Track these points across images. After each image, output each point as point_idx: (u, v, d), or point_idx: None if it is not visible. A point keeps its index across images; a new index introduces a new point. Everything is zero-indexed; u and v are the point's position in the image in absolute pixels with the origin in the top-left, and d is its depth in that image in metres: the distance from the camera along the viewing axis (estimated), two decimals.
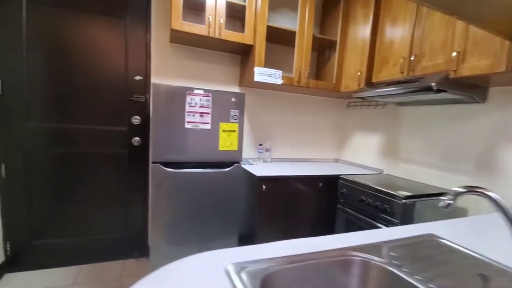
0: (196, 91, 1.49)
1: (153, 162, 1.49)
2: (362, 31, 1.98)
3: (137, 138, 2.02)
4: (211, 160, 1.60)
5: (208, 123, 1.54)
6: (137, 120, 2.00)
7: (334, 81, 2.19)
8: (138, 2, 1.93)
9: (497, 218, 1.05)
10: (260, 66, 1.89)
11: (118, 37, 1.90)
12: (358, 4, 2.03)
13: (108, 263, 2.09)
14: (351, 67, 2.08)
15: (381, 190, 1.51)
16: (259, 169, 1.90)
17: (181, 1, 1.68)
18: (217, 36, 1.79)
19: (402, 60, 1.65)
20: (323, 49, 2.32)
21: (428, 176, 1.79)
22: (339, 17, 2.16)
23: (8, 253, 1.86)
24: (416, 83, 1.40)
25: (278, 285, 0.55)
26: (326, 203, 2.00)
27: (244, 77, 2.12)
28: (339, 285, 0.64)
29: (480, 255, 0.69)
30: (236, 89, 2.26)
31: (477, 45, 1.24)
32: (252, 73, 1.91)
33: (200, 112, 1.51)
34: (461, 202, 1.53)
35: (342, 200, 1.85)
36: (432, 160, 1.77)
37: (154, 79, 2.00)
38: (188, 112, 1.49)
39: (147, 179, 2.10)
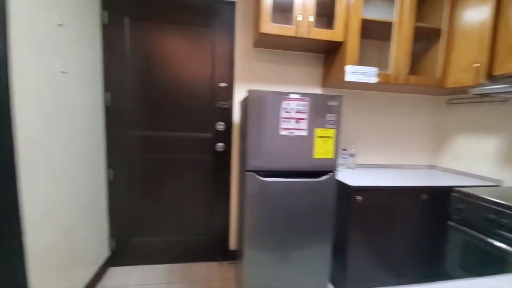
0: (292, 96, 1.40)
1: (247, 171, 1.45)
2: (479, 14, 1.64)
3: (221, 144, 2.04)
4: (305, 168, 1.49)
5: (304, 129, 1.44)
6: (222, 126, 2.02)
7: (438, 76, 1.87)
8: (224, 10, 1.94)
9: None
10: (353, 64, 1.71)
11: (205, 46, 1.95)
12: None
13: (194, 264, 2.16)
14: (462, 58, 1.75)
15: None
16: (350, 178, 1.73)
17: (270, 4, 1.62)
18: (305, 35, 1.69)
19: None
20: (420, 40, 2.02)
21: None
22: (444, 0, 1.84)
23: (113, 249, 2.06)
24: None
25: None
26: (433, 219, 1.72)
27: (329, 77, 1.97)
28: None
29: None
30: (318, 91, 2.12)
31: None
32: (341, 72, 1.75)
33: (296, 118, 1.42)
34: None
35: (457, 217, 1.55)
36: None
37: (237, 85, 1.99)
38: (283, 118, 1.41)
39: (230, 184, 2.11)
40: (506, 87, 1.43)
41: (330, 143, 1.49)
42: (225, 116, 2.03)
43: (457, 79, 1.78)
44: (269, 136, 1.43)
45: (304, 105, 1.42)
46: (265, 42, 1.84)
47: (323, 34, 1.72)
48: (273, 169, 1.46)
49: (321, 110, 1.46)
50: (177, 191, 2.08)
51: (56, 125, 1.36)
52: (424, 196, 1.69)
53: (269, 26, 1.64)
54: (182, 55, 1.94)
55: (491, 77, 1.59)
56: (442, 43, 1.86)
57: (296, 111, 1.42)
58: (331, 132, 1.48)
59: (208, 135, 2.03)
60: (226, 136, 2.05)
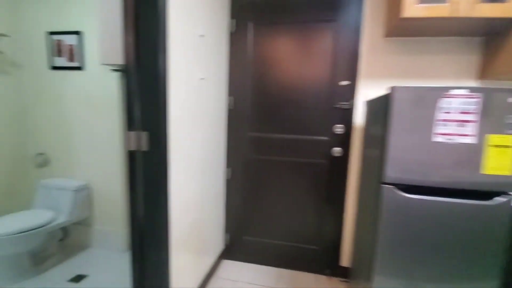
0: (455, 92, 1.09)
1: (383, 183, 1.22)
2: None
3: (339, 149, 1.86)
4: (467, 186, 1.14)
5: (471, 135, 1.10)
6: (340, 129, 1.84)
7: None
8: (352, 1, 1.75)
9: None
10: None
11: (325, 42, 1.81)
12: None
13: (302, 274, 2.06)
14: None
15: None
16: None
17: None
18: (464, 14, 1.31)
19: None
20: None
21: None
22: None
23: (227, 243, 2.19)
24: None
25: None
26: None
27: (495, 65, 1.49)
28: None
29: None
30: (471, 84, 1.65)
31: None
32: None
33: (458, 120, 1.10)
34: None
35: None
36: None
37: (361, 83, 1.76)
38: (440, 120, 1.11)
39: (346, 193, 1.90)
40: None
41: (509, 155, 1.09)
42: (344, 118, 1.83)
43: None
44: (417, 142, 1.15)
45: (473, 104, 1.08)
46: (402, 29, 1.55)
47: (492, 10, 1.30)
48: (421, 183, 1.18)
49: (498, 110, 1.08)
50: (287, 194, 2.02)
51: (196, 126, 1.50)
52: None
53: (414, 9, 1.35)
54: (300, 55, 1.86)
55: None
56: None
57: (460, 111, 1.09)
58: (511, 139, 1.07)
59: (325, 138, 1.88)
60: (344, 140, 1.85)
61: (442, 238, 1.20)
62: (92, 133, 2.19)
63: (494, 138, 1.09)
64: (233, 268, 2.09)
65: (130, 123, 1.18)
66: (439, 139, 1.13)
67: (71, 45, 2.10)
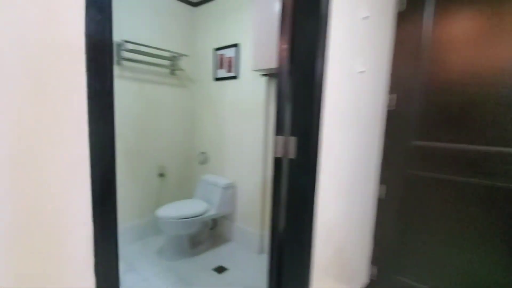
0: None
1: None
2: None
3: None
4: None
5: None
6: None
7: None
8: None
9: None
10: None
11: None
12: None
13: None
14: None
15: None
16: None
17: None
18: None
19: None
20: None
21: None
22: None
23: (373, 278, 1.75)
24: None
25: None
26: None
27: None
28: None
29: None
30: None
31: None
32: None
33: None
34: None
35: None
36: None
37: None
38: None
39: None
40: None
41: None
42: None
43: None
44: None
45: None
46: None
47: None
48: None
49: None
50: (469, 230, 1.37)
51: (345, 131, 1.22)
52: None
53: None
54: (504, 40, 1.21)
55: None
56: None
57: None
58: None
59: None
60: None
61: None
62: (240, 136, 2.36)
63: None
64: None
65: (279, 127, 1.06)
66: None
67: (230, 57, 2.35)
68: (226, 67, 2.41)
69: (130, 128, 2.28)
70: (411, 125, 1.52)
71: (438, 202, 1.47)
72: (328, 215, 1.18)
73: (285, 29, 1.01)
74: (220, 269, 2.06)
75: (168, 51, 2.39)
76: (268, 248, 1.18)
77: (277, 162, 1.07)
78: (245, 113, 2.29)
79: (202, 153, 2.71)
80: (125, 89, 2.21)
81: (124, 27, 2.13)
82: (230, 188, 2.41)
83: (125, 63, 2.18)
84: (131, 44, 2.13)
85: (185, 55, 2.50)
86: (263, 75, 1.99)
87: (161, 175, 2.56)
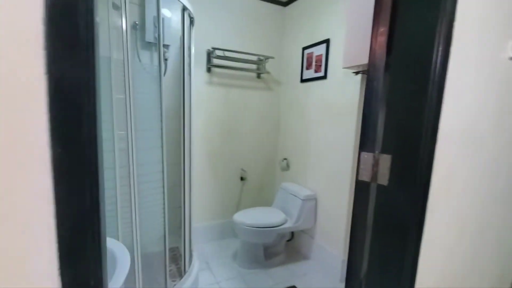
0: None
1: None
2: None
3: None
4: None
5: None
6: None
7: None
8: None
9: None
10: None
11: None
12: None
13: None
14: None
15: None
16: None
17: None
18: None
19: None
20: None
21: None
22: None
23: None
24: None
25: None
26: None
27: None
28: None
29: None
30: None
31: None
32: None
33: None
34: None
35: None
36: None
37: None
38: None
39: None
40: None
41: None
42: None
43: None
44: None
45: None
46: None
47: None
48: None
49: None
50: None
51: (481, 146, 0.80)
52: None
53: None
54: None
55: None
56: None
57: None
58: None
59: None
60: None
61: None
62: (326, 143, 2.08)
63: None
64: None
65: (365, 139, 0.78)
66: None
67: (319, 55, 2.11)
68: (314, 67, 2.18)
69: (216, 131, 2.38)
70: None
71: None
72: (442, 273, 0.80)
73: (382, 3, 0.72)
74: None
75: (255, 54, 2.36)
76: None
77: (361, 187, 0.79)
78: (334, 117, 1.99)
79: (284, 159, 2.56)
80: (213, 95, 2.31)
81: (213, 35, 2.22)
82: (310, 201, 2.16)
83: (213, 69, 2.27)
84: (219, 51, 2.20)
85: (272, 58, 2.41)
86: (355, 72, 1.67)
87: (242, 178, 2.57)
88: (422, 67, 0.66)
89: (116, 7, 1.28)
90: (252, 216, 2.09)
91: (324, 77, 2.07)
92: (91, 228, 0.38)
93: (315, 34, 2.15)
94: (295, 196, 2.19)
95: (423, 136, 0.65)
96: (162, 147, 1.45)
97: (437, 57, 0.63)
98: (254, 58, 2.38)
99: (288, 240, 2.40)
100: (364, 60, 1.42)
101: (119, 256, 0.87)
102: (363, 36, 1.45)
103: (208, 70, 2.25)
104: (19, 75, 0.34)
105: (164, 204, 1.49)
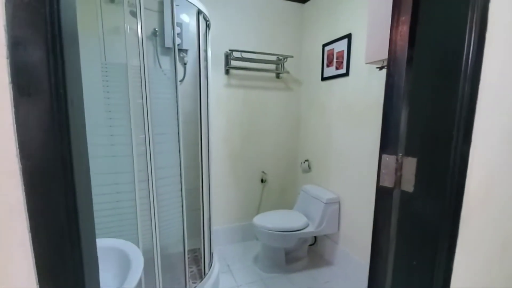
0: None
1: None
2: None
3: None
4: None
5: None
6: None
7: None
8: None
9: None
10: None
11: None
12: None
13: None
14: None
15: None
16: None
17: None
18: None
19: None
20: None
21: None
22: None
23: None
24: None
25: None
26: None
27: None
28: None
29: None
30: None
31: None
32: None
33: None
34: None
35: None
36: None
37: None
38: None
39: None
40: None
41: None
42: None
43: None
44: None
45: None
46: None
47: None
48: None
49: None
50: None
51: None
52: None
53: None
54: None
55: None
56: None
57: None
58: None
59: None
60: None
61: None
62: (349, 143, 1.97)
63: None
64: None
65: (386, 140, 0.71)
66: None
67: (340, 51, 2.01)
68: (335, 64, 2.08)
69: (236, 134, 2.36)
70: None
71: None
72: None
73: None
74: None
75: (274, 54, 2.32)
76: None
77: (382, 194, 0.72)
78: (357, 116, 1.89)
79: (306, 160, 2.48)
80: (232, 97, 2.30)
81: (230, 37, 2.21)
82: (333, 204, 2.06)
83: (232, 71, 2.26)
84: (237, 53, 2.19)
85: (291, 56, 2.35)
86: (379, 68, 1.56)
87: (263, 181, 2.53)
88: (451, 58, 0.58)
89: (134, 14, 1.31)
90: (273, 220, 2.04)
91: (346, 74, 1.97)
92: (68, 239, 0.36)
93: (336, 29, 2.06)
94: (317, 199, 2.11)
95: (454, 136, 0.56)
96: (179, 150, 1.46)
97: (470, 45, 0.54)
98: (273, 58, 2.34)
99: (310, 245, 2.32)
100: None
101: (132, 258, 0.88)
102: (386, 28, 1.34)
103: (227, 72, 2.25)
104: None
105: (182, 206, 1.50)
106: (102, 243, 0.93)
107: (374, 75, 1.69)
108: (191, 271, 1.91)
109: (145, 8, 1.24)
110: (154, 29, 1.90)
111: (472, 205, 0.59)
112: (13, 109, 0.34)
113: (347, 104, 1.98)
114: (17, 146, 0.34)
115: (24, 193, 0.33)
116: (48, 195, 0.35)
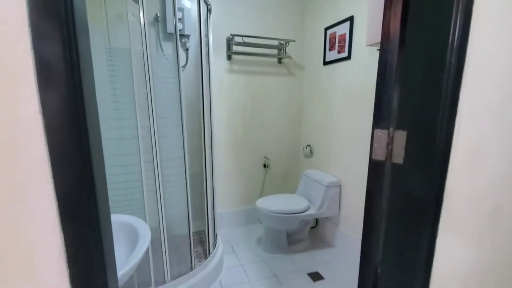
0: None
1: None
2: None
3: None
4: None
5: None
6: None
7: None
8: None
9: None
10: None
11: None
12: None
13: None
14: None
15: None
16: None
17: None
18: None
19: None
20: None
21: None
22: None
23: None
24: None
25: None
26: None
27: None
28: None
29: None
30: None
31: None
32: None
33: None
34: None
35: None
36: None
37: None
38: None
39: None
40: None
41: None
42: None
43: None
44: None
45: None
46: None
47: None
48: None
49: None
50: None
51: None
52: None
53: None
54: None
55: None
56: None
57: None
58: None
59: None
60: None
61: None
62: (350, 127, 2.00)
63: None
64: None
65: (379, 116, 0.73)
66: None
67: (343, 35, 2.00)
68: (337, 48, 2.08)
69: (239, 119, 2.40)
70: None
71: None
72: (459, 266, 0.74)
73: None
74: (315, 276, 1.85)
75: (276, 39, 2.31)
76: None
77: (375, 168, 0.75)
78: (359, 100, 1.90)
79: (308, 145, 2.51)
80: (234, 83, 2.32)
81: (232, 22, 2.21)
82: (334, 187, 2.11)
83: (234, 57, 2.27)
84: (238, 37, 2.19)
85: (292, 41, 2.34)
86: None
87: (266, 166, 2.58)
88: (440, 32, 0.59)
89: (136, 0, 1.33)
90: (275, 203, 2.10)
91: (348, 57, 1.97)
92: (86, 189, 0.42)
93: (338, 12, 2.04)
94: (318, 183, 2.15)
95: (440, 107, 0.59)
96: (182, 133, 1.50)
97: (457, 17, 0.56)
98: (275, 42, 2.34)
99: (312, 227, 2.38)
100: None
101: (141, 232, 0.94)
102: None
103: (229, 57, 2.26)
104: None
105: (186, 188, 1.56)
106: (114, 218, 0.99)
107: (375, 58, 1.69)
108: (196, 251, 2.00)
109: None
110: (156, 15, 1.91)
111: (459, 173, 0.62)
112: (39, 95, 0.39)
113: (349, 88, 1.98)
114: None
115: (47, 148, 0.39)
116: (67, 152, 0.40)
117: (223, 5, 2.15)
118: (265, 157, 2.56)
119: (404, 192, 0.70)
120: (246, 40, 2.22)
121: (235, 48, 2.24)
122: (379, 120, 0.74)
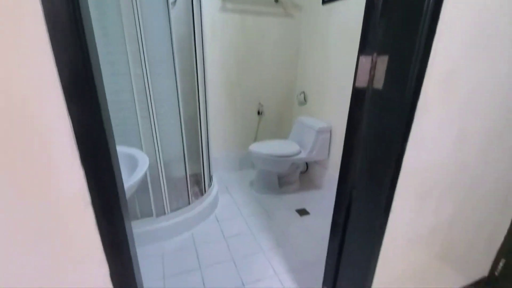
0: None
1: None
2: None
3: None
4: None
5: None
6: None
7: None
8: None
9: None
10: None
11: None
12: None
13: None
14: None
15: None
16: None
17: None
18: None
19: None
20: None
21: None
22: None
23: (496, 272, 1.26)
24: None
25: None
26: None
27: None
28: None
29: None
30: None
31: None
32: None
33: None
34: None
35: None
36: None
37: None
38: None
39: None
40: None
41: None
42: None
43: None
44: None
45: None
46: None
47: None
48: None
49: None
50: None
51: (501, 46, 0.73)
52: None
53: None
54: None
55: None
56: None
57: None
58: None
59: None
60: None
61: None
62: (346, 72, 1.98)
63: None
64: None
65: (364, 42, 0.75)
66: None
67: None
68: None
69: (233, 61, 2.34)
70: None
71: None
72: (423, 175, 0.83)
73: None
74: (302, 212, 2.04)
75: None
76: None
77: (357, 95, 0.79)
78: (355, 43, 1.84)
79: (302, 92, 2.51)
80: (228, 23, 2.21)
81: None
82: (325, 133, 2.18)
83: None
84: None
85: None
86: None
87: (260, 113, 2.61)
88: None
89: None
90: (268, 147, 2.19)
91: None
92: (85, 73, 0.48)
93: None
94: (310, 128, 2.22)
95: (419, 34, 0.60)
96: (175, 73, 1.49)
97: None
98: None
99: (303, 172, 2.52)
100: None
101: (139, 158, 1.01)
102: None
103: None
104: None
105: (181, 127, 1.61)
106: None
107: None
108: (193, 191, 2.15)
109: None
110: None
111: (432, 95, 0.66)
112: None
113: (348, 30, 1.91)
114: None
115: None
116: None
117: None
118: (260, 103, 2.58)
119: (381, 116, 0.75)
120: None
121: None
122: (364, 47, 0.75)
